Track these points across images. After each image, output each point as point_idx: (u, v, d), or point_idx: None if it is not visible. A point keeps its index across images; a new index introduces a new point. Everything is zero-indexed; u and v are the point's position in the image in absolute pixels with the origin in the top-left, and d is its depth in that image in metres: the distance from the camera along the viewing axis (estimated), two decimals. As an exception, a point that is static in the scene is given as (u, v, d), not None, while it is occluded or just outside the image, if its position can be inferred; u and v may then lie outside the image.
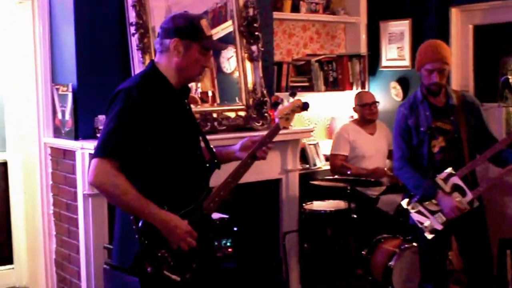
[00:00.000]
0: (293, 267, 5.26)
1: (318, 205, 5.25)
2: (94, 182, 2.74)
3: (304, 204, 5.23)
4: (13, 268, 5.11)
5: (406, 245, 4.83)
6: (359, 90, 6.19)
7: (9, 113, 4.99)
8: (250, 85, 4.96)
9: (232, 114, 4.85)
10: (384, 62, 6.30)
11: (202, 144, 3.09)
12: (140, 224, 2.76)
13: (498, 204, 5.47)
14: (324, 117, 6.40)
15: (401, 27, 6.09)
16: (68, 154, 4.45)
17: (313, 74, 5.99)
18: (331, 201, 5.33)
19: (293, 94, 5.16)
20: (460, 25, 5.77)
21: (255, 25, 4.97)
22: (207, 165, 3.03)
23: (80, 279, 4.39)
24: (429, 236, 4.04)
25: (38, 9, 4.61)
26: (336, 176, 5.44)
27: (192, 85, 4.64)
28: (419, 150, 4.12)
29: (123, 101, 2.76)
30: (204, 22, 2.92)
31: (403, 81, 6.12)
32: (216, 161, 3.07)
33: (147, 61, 4.29)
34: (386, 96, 6.20)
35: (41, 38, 4.63)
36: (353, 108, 5.80)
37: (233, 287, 4.14)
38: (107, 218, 4.25)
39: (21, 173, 4.98)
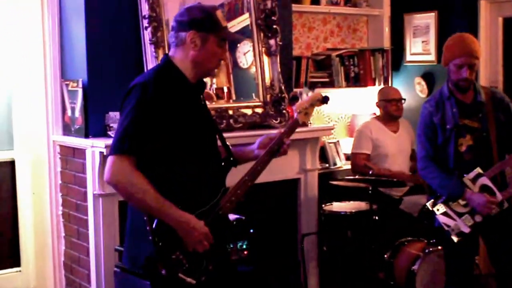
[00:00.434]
0: (312, 271, 5.26)
1: (338, 206, 5.24)
2: (111, 180, 2.74)
3: (323, 205, 5.22)
4: (20, 271, 5.12)
5: (431, 249, 4.81)
6: (382, 86, 6.16)
7: (17, 110, 5.01)
8: (267, 81, 4.96)
9: (248, 111, 4.84)
10: (408, 57, 6.28)
11: (219, 142, 3.09)
12: (154, 225, 2.76)
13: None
14: (345, 114, 6.38)
15: (426, 19, 6.06)
16: (78, 153, 4.47)
17: (333, 70, 5.98)
18: (351, 202, 5.33)
19: (312, 87, 5.15)
20: (489, 17, 5.73)
21: (273, 18, 4.97)
22: (223, 163, 3.03)
23: (89, 282, 4.41)
24: (456, 239, 4.02)
25: (47, 2, 4.63)
26: (357, 176, 5.43)
27: (207, 80, 4.65)
28: (445, 149, 4.09)
29: (138, 96, 2.77)
30: (219, 13, 2.93)
31: (428, 76, 6.09)
32: (232, 158, 3.07)
33: (160, 56, 4.29)
34: (410, 92, 6.17)
35: (50, 31, 4.64)
36: (376, 103, 5.77)
37: (249, 292, 4.15)
38: (118, 219, 4.26)
39: (29, 172, 5.00)
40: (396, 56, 6.35)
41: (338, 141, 6.09)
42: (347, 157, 5.95)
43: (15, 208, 5.10)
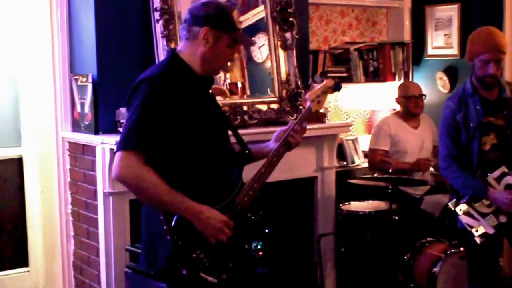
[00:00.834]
0: (329, 272, 5.26)
1: (356, 205, 5.24)
2: (119, 176, 2.76)
3: (341, 205, 5.22)
4: (28, 271, 5.16)
5: (453, 250, 4.79)
6: (402, 81, 6.15)
7: (25, 105, 5.04)
8: (283, 76, 4.96)
9: (263, 107, 4.85)
10: (429, 51, 6.27)
11: (233, 138, 3.11)
12: (173, 223, 2.78)
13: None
14: (364, 111, 6.37)
15: (449, 12, 6.04)
16: (88, 150, 4.49)
17: (351, 64, 5.97)
18: (370, 201, 5.32)
19: (324, 74, 5.14)
20: (515, 9, 5.71)
21: (289, 10, 4.97)
22: (238, 157, 3.05)
23: (100, 283, 4.43)
24: (479, 240, 4.01)
25: (56, -6, 4.65)
26: (376, 174, 5.42)
27: (220, 75, 4.67)
28: (469, 148, 4.09)
29: (146, 90, 2.79)
30: (235, 14, 2.96)
31: (451, 71, 6.07)
32: (247, 152, 3.09)
33: (173, 50, 4.30)
34: (432, 87, 6.15)
35: (59, 24, 4.66)
36: (396, 99, 5.76)
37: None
38: (129, 218, 4.28)
39: (37, 170, 5.02)
40: (417, 50, 6.33)
41: (356, 138, 6.09)
42: (365, 155, 5.94)
43: (23, 206, 5.13)
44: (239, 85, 4.89)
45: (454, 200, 4.12)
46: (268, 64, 4.98)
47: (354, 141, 6.04)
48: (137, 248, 3.95)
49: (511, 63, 5.69)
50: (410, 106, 5.63)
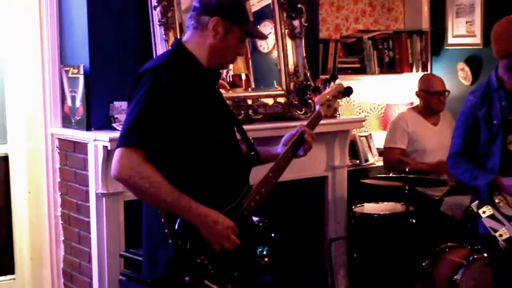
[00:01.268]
0: (340, 280, 5.27)
1: (370, 207, 5.23)
2: (119, 175, 2.74)
3: (353, 207, 5.22)
4: (14, 279, 5.16)
5: (475, 256, 4.77)
6: (420, 73, 6.14)
7: (11, 99, 5.03)
8: (291, 67, 4.96)
9: (269, 101, 4.84)
10: (450, 40, 6.27)
11: (238, 136, 3.10)
12: (177, 226, 2.77)
13: None
14: (378, 105, 6.38)
15: (471, -3, 6.04)
16: (79, 147, 4.49)
17: (365, 54, 5.99)
18: (385, 203, 5.32)
19: (333, 77, 5.13)
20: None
21: (297, -4, 4.97)
22: (245, 159, 3.05)
23: (92, 292, 4.44)
24: (504, 246, 3.99)
25: (45, -22, 4.65)
26: (391, 174, 5.42)
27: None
28: (490, 147, 4.05)
29: (150, 82, 2.77)
30: (248, 5, 2.94)
31: (473, 61, 6.07)
32: (253, 153, 3.08)
33: (171, 38, 4.30)
34: (453, 79, 6.14)
35: (48, 12, 4.66)
36: (416, 92, 5.73)
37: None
38: (123, 222, 4.28)
39: (24, 169, 5.02)
40: (436, 39, 6.34)
41: (370, 134, 6.09)
42: (380, 153, 5.94)
43: (8, 209, 5.13)
44: (243, 77, 4.89)
45: (477, 201, 4.10)
46: (274, 54, 4.97)
47: (367, 137, 6.04)
48: (132, 254, 3.95)
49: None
50: (433, 103, 5.60)
